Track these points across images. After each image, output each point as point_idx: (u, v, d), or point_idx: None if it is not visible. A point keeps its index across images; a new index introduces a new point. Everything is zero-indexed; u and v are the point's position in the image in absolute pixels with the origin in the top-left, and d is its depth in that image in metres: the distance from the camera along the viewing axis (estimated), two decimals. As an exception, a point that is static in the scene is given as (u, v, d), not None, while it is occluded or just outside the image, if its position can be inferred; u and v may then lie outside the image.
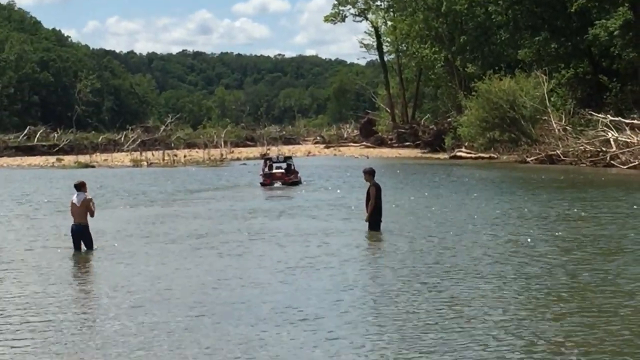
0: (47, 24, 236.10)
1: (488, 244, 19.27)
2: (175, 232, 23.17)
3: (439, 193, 34.45)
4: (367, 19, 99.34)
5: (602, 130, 50.94)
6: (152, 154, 77.54)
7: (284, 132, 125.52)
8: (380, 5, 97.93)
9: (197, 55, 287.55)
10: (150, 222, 26.24)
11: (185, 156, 76.99)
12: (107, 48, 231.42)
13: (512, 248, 18.71)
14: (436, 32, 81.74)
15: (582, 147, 51.23)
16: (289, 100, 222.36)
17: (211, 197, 35.97)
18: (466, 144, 67.09)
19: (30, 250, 20.53)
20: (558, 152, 52.67)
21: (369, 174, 22.08)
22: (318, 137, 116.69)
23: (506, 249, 18.61)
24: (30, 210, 31.39)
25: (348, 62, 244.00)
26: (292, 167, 43.54)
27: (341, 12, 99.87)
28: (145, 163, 71.20)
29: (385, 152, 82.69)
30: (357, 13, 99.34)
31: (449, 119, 76.78)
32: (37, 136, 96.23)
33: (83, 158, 75.18)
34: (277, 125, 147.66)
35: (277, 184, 40.82)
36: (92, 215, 19.77)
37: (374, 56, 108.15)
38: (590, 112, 55.43)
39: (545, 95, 59.53)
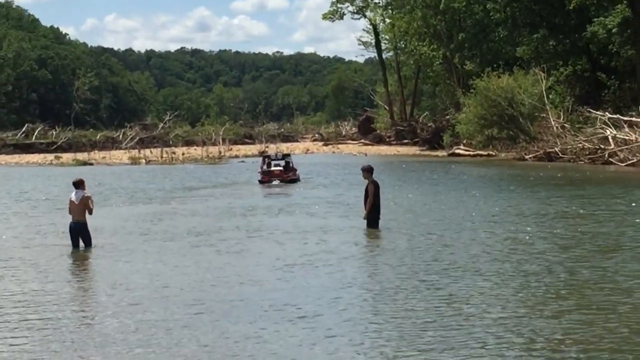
0: (45, 22, 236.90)
1: (486, 242, 19.27)
2: (173, 230, 23.17)
3: (437, 190, 34.46)
4: (365, 16, 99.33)
5: (600, 128, 50.99)
6: (151, 152, 77.53)
7: (283, 130, 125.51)
8: (379, 2, 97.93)
9: (196, 52, 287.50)
10: (148, 219, 26.24)
11: (183, 154, 76.99)
12: (105, 45, 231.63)
13: (510, 245, 18.71)
14: (434, 29, 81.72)
15: (580, 145, 51.26)
16: (287, 98, 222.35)
17: (209, 194, 35.98)
18: (464, 141, 67.11)
19: (28, 247, 20.52)
20: (556, 149, 52.70)
21: (367, 171, 22.08)
22: (316, 135, 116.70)
23: (505, 246, 18.61)
24: (29, 208, 31.39)
25: (346, 59, 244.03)
26: (291, 165, 43.56)
27: (339, 9, 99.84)
28: (143, 161, 71.20)
29: (384, 149, 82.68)
30: (355, 10, 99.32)
31: (448, 117, 76.85)
32: (35, 134, 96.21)
33: (81, 156, 75.20)
34: (276, 122, 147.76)
35: (276, 182, 40.82)
36: (90, 213, 19.77)
37: (372, 54, 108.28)
38: (588, 109, 55.47)
39: (544, 92, 59.56)
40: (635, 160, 45.46)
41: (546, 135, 55.90)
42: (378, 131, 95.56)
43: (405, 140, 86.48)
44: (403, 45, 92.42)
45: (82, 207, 19.59)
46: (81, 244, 19.67)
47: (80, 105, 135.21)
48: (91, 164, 68.03)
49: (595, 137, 50.66)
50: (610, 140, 49.22)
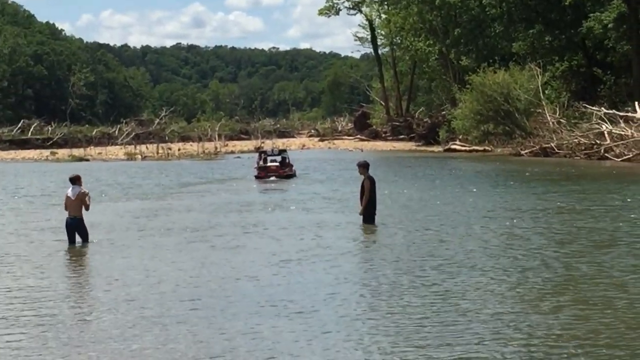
0: (41, 17, 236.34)
1: (482, 237, 19.29)
2: (169, 226, 23.16)
3: (433, 186, 34.47)
4: (361, 12, 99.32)
5: (596, 123, 51.00)
6: (146, 148, 77.43)
7: (278, 126, 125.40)
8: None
9: (191, 48, 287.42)
10: (144, 215, 26.23)
11: (179, 149, 76.97)
12: (101, 41, 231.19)
13: (506, 241, 18.72)
14: (430, 25, 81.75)
15: (576, 140, 51.29)
16: (283, 94, 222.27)
17: (206, 190, 35.96)
18: (460, 136, 67.14)
19: (24, 243, 20.50)
20: (552, 144, 52.73)
21: (363, 167, 22.08)
22: (312, 130, 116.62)
23: (501, 241, 18.62)
24: (25, 204, 31.35)
25: (342, 55, 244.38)
26: (287, 160, 43.58)
27: (335, 5, 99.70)
28: (139, 156, 71.13)
29: (380, 145, 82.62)
30: (351, 6, 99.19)
31: (443, 112, 76.85)
32: (31, 130, 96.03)
33: (77, 151, 75.10)
34: (272, 118, 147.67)
35: (272, 177, 40.81)
36: (87, 209, 19.76)
37: (368, 49, 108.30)
38: (584, 104, 55.48)
39: (540, 88, 59.56)
40: (631, 155, 45.51)
41: (542, 130, 55.91)
42: (374, 127, 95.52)
43: (401, 136, 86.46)
44: (399, 41, 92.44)
45: (78, 203, 19.58)
46: (78, 239, 19.66)
47: (76, 101, 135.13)
48: (87, 160, 67.97)
49: (591, 132, 50.68)
50: (606, 135, 49.25)
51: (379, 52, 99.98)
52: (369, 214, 21.79)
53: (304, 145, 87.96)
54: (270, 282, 14.82)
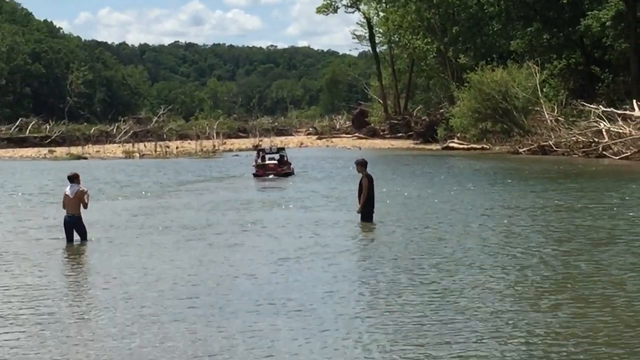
0: (39, 15, 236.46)
1: (481, 235, 19.29)
2: (167, 224, 23.14)
3: (431, 184, 34.46)
4: (359, 10, 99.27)
5: (594, 121, 50.99)
6: (144, 146, 77.43)
7: (277, 124, 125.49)
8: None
9: (189, 46, 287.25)
10: (142, 213, 26.22)
11: (177, 147, 76.96)
12: (99, 39, 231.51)
13: (505, 239, 18.73)
14: (428, 23, 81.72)
15: (574, 138, 51.29)
16: (281, 92, 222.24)
17: (204, 188, 35.95)
18: (458, 134, 67.14)
19: (22, 241, 20.49)
20: (550, 142, 52.72)
21: (361, 165, 22.08)
22: (310, 129, 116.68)
23: (499, 239, 18.62)
24: (23, 202, 31.33)
25: (340, 53, 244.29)
26: (285, 159, 43.56)
27: (333, 3, 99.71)
28: (137, 154, 71.13)
29: (378, 143, 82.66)
30: (349, 4, 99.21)
31: (442, 110, 76.79)
32: (29, 128, 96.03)
33: (75, 150, 75.07)
34: (270, 116, 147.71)
35: (270, 175, 40.80)
36: (85, 207, 19.76)
37: (366, 47, 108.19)
38: (582, 102, 55.49)
39: (538, 86, 59.59)
40: (629, 153, 45.51)
41: (540, 128, 55.92)
42: (372, 125, 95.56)
43: (399, 134, 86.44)
44: (397, 39, 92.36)
45: (76, 201, 19.58)
46: (76, 237, 19.66)
47: (74, 99, 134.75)
48: (85, 158, 67.95)
49: (589, 130, 50.67)
50: (604, 133, 49.24)
51: (377, 50, 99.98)
52: (367, 212, 21.78)
53: (302, 143, 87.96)
54: (268, 280, 14.81)
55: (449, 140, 67.74)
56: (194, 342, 11.00)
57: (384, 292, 13.58)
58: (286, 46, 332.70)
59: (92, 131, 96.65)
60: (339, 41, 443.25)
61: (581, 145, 50.29)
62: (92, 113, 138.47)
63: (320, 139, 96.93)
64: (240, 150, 75.58)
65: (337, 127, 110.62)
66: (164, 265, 16.65)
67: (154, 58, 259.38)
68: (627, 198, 26.37)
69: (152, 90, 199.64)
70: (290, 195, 31.62)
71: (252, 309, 12.65)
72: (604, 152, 47.63)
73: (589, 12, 60.25)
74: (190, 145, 79.49)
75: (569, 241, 18.19)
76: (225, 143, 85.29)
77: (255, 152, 47.78)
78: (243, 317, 12.15)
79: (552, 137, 53.18)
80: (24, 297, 14.01)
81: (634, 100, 51.48)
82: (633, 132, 46.96)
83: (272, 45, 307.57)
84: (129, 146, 78.79)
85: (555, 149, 51.99)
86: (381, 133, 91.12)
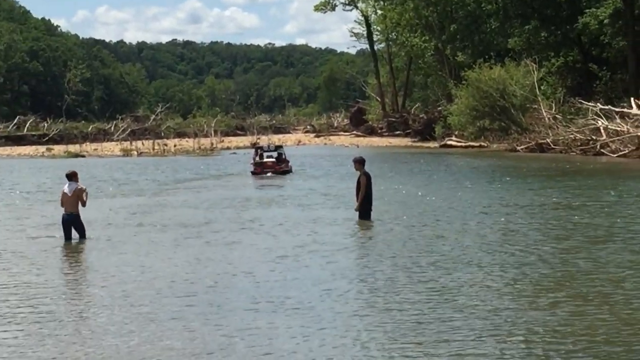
0: (37, 14, 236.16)
1: (479, 232, 19.29)
2: (165, 222, 23.14)
3: (429, 182, 34.48)
4: (357, 7, 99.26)
5: (592, 119, 51.05)
6: (142, 144, 77.43)
7: (274, 121, 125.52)
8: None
9: (187, 44, 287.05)
10: (140, 211, 26.21)
11: (175, 145, 76.93)
12: (97, 37, 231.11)
13: (503, 236, 18.73)
14: (426, 20, 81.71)
15: (572, 136, 51.33)
16: (279, 90, 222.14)
17: (202, 186, 35.95)
18: (456, 132, 67.17)
19: (20, 240, 20.47)
20: (548, 140, 52.78)
21: (359, 162, 22.08)
22: (308, 126, 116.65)
23: (497, 237, 18.62)
24: (20, 200, 31.31)
25: (338, 51, 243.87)
26: (283, 156, 43.57)
27: (331, 1, 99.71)
28: (135, 152, 71.13)
29: (376, 141, 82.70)
30: (347, 2, 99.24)
31: (439, 108, 76.90)
32: (27, 126, 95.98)
33: (73, 148, 75.08)
34: (267, 114, 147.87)
35: (268, 173, 40.80)
36: (83, 205, 19.75)
37: (364, 45, 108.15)
38: (580, 100, 55.54)
39: (535, 83, 59.64)
40: (626, 151, 45.56)
41: (538, 126, 55.98)
42: (370, 123, 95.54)
43: (397, 132, 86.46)
44: (395, 37, 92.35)
45: (75, 199, 19.58)
46: (75, 234, 19.65)
47: (71, 97, 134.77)
48: (83, 156, 67.92)
49: (587, 128, 50.73)
50: (602, 131, 49.28)
51: (375, 47, 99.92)
52: (365, 210, 21.78)
53: (299, 141, 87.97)
54: (266, 278, 14.80)
55: (446, 138, 67.76)
56: (192, 340, 10.99)
57: (382, 290, 13.57)
58: (284, 44, 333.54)
59: (89, 129, 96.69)
60: (337, 39, 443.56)
61: (579, 143, 50.35)
62: (90, 111, 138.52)
63: (318, 136, 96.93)
64: (238, 148, 75.60)
65: (335, 125, 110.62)
66: (162, 263, 16.64)
67: (151, 56, 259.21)
68: (624, 196, 26.39)
69: (150, 88, 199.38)
70: (288, 193, 31.62)
71: (250, 306, 12.64)
72: (602, 150, 47.68)
73: (587, 10, 60.32)
74: (188, 143, 79.48)
75: (567, 239, 18.19)
76: (223, 141, 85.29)
77: (253, 150, 47.77)
78: (241, 315, 12.14)
79: (550, 134, 53.24)
80: (22, 295, 13.99)
81: (632, 98, 51.50)
82: (631, 130, 47.00)
83: (269, 43, 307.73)
84: (126, 144, 78.79)
85: (553, 146, 52.05)
86: (379, 131, 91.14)
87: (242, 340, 10.89)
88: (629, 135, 46.75)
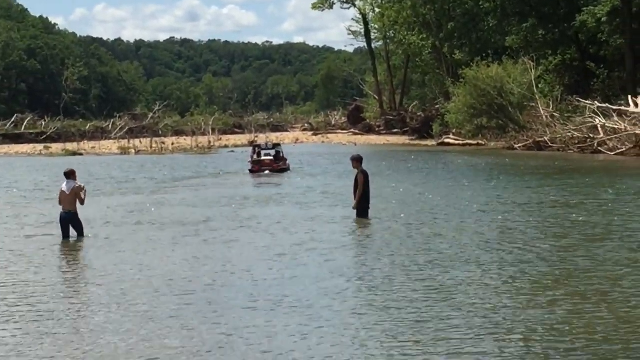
0: (34, 12, 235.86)
1: (477, 231, 19.29)
2: (163, 220, 23.13)
3: (427, 180, 34.48)
4: (354, 5, 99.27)
5: (589, 117, 51.04)
6: (140, 142, 77.46)
7: (272, 120, 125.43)
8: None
9: (185, 42, 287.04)
10: (138, 209, 26.20)
11: (173, 144, 76.95)
12: (95, 35, 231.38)
13: (500, 234, 18.73)
14: (424, 19, 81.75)
15: (569, 134, 51.33)
16: (276, 88, 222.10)
17: (199, 184, 35.94)
18: (454, 130, 67.16)
19: (18, 238, 20.46)
20: (546, 138, 52.79)
21: (357, 161, 22.09)
22: (306, 124, 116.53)
23: (495, 235, 18.62)
24: (18, 198, 31.28)
25: (336, 49, 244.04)
26: (281, 155, 43.58)
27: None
28: (133, 151, 71.10)
29: (373, 139, 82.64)
30: (344, 0, 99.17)
31: (437, 106, 76.87)
32: (25, 124, 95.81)
33: (71, 146, 75.06)
34: (265, 112, 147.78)
35: (266, 171, 40.79)
36: (82, 204, 19.75)
37: (361, 43, 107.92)
38: (577, 98, 55.53)
39: (533, 82, 59.62)
40: (624, 149, 45.57)
41: (535, 124, 55.98)
42: (367, 121, 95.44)
43: (395, 130, 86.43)
44: (392, 35, 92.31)
45: (73, 197, 19.57)
46: (73, 232, 19.64)
47: (69, 95, 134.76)
48: (81, 154, 67.90)
49: (585, 126, 50.73)
50: (600, 129, 49.28)
51: (373, 46, 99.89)
52: (362, 208, 21.78)
53: (297, 139, 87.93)
54: (264, 277, 14.80)
55: (444, 136, 67.76)
56: (190, 338, 10.98)
57: (380, 288, 13.57)
58: (282, 42, 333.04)
59: (87, 127, 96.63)
60: (335, 37, 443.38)
61: (576, 141, 50.35)
62: (88, 109, 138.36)
63: (315, 135, 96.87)
64: (236, 146, 75.56)
65: (333, 123, 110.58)
66: (160, 261, 16.64)
67: (149, 54, 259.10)
68: (622, 193, 26.40)
69: (148, 87, 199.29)
70: (286, 191, 31.62)
71: (248, 305, 12.64)
72: (600, 148, 47.69)
73: (585, 8, 60.33)
74: (185, 141, 79.47)
75: (565, 237, 18.20)
76: (220, 139, 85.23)
77: (251, 148, 47.77)
78: (239, 314, 12.14)
79: (548, 132, 53.24)
80: (20, 293, 13.98)
81: (629, 96, 51.51)
82: (628, 128, 47.00)
83: (267, 41, 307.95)
84: (124, 142, 78.74)
85: (550, 144, 52.06)
86: (377, 129, 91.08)
87: (241, 338, 10.89)
88: (626, 133, 46.75)
